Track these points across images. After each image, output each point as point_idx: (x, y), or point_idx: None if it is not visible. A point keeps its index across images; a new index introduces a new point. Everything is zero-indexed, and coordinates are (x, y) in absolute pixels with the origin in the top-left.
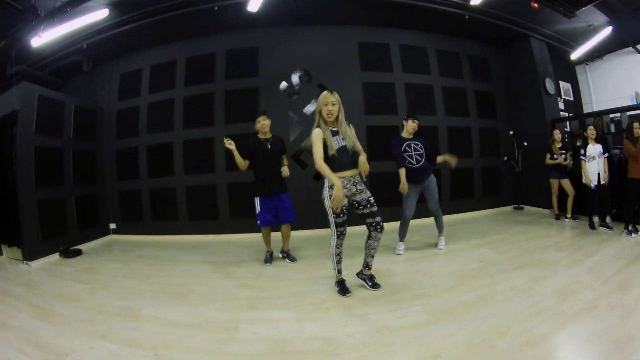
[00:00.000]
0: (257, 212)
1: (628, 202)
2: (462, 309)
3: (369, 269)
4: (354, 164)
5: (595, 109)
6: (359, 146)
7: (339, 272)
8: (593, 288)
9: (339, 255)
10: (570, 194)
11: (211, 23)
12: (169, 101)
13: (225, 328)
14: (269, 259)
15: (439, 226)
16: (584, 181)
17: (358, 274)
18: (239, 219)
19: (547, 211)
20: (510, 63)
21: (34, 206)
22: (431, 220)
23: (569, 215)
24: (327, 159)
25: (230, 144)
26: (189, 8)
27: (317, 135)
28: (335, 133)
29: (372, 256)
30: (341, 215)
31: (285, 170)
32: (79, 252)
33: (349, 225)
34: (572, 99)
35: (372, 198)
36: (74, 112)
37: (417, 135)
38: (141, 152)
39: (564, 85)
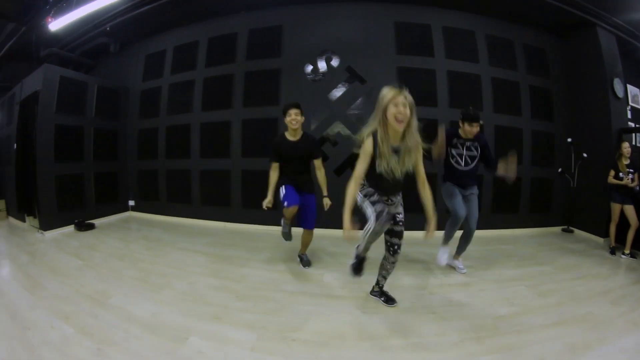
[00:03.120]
0: (283, 195)
1: None
2: None
3: (380, 287)
4: (398, 190)
5: None
6: (422, 174)
7: (362, 254)
8: None
9: (370, 242)
10: (633, 224)
11: (234, 1)
12: (189, 82)
13: (175, 337)
14: (288, 232)
15: (464, 246)
16: None
17: (371, 292)
18: (250, 209)
19: (601, 240)
20: (573, 56)
21: (51, 180)
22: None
23: (627, 251)
24: (371, 172)
25: (269, 201)
26: None
27: (367, 149)
28: (394, 151)
29: (385, 277)
30: (381, 209)
31: (326, 202)
32: (91, 226)
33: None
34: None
35: (401, 215)
36: (97, 92)
37: (481, 133)
38: (160, 133)
39: (633, 90)
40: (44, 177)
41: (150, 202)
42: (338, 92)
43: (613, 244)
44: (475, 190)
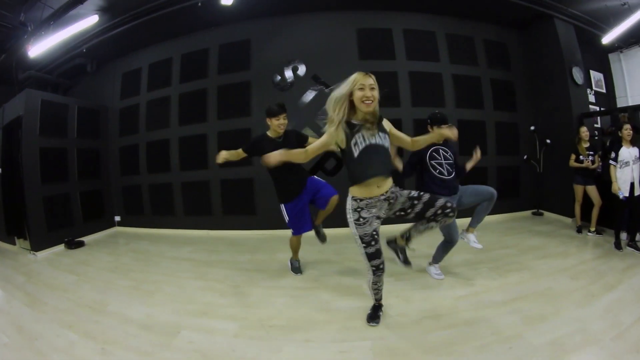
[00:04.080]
0: (287, 221)
1: None
2: (420, 355)
3: (407, 241)
4: (388, 169)
5: (630, 103)
6: (404, 138)
7: (378, 299)
8: (600, 344)
9: (377, 289)
10: (596, 203)
11: (203, 18)
12: (165, 98)
13: (169, 332)
14: (298, 267)
15: (442, 256)
16: (612, 190)
17: (389, 243)
18: (231, 216)
19: (569, 220)
20: (533, 48)
21: (39, 202)
22: None
23: (592, 229)
24: (350, 164)
25: (223, 158)
26: (171, 7)
27: (330, 138)
28: (363, 128)
29: (421, 232)
30: (372, 243)
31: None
32: (81, 244)
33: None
34: (604, 91)
35: (413, 192)
36: (77, 113)
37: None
38: (141, 149)
39: (595, 75)
40: (32, 199)
41: (136, 217)
42: (306, 99)
43: (579, 223)
44: (459, 186)
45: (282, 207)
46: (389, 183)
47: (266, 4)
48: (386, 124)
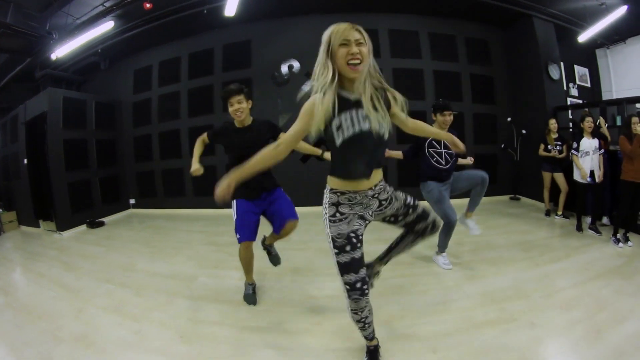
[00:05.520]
0: (235, 220)
1: (619, 206)
2: (377, 294)
3: (383, 264)
4: (378, 164)
5: (615, 97)
6: (405, 121)
7: (369, 338)
8: (528, 299)
9: (361, 321)
10: (563, 189)
11: (208, 21)
12: (175, 93)
13: (189, 279)
14: (252, 294)
15: (446, 242)
16: (574, 177)
17: (367, 267)
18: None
19: (542, 205)
20: (513, 45)
21: (64, 187)
22: None
23: (559, 212)
24: (332, 150)
25: (195, 167)
26: (180, 14)
27: (308, 108)
28: (353, 105)
29: (400, 253)
30: (347, 248)
31: (327, 156)
32: (102, 224)
33: None
34: (588, 85)
35: (410, 198)
36: (95, 107)
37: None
38: (154, 138)
39: (580, 70)
40: (58, 185)
41: (149, 199)
42: (305, 87)
43: (548, 207)
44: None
45: (234, 203)
46: (379, 175)
47: (265, 7)
48: (394, 98)
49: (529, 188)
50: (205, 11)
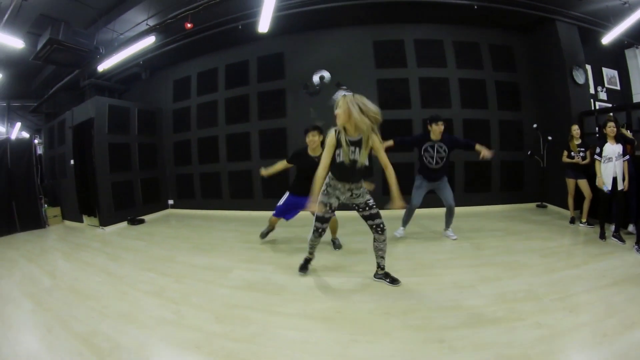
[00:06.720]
0: (278, 204)
1: None
2: (390, 289)
3: (382, 269)
4: (357, 180)
5: None
6: (383, 159)
7: (309, 253)
8: (539, 301)
9: (312, 246)
10: (587, 196)
11: (243, 35)
12: (213, 102)
13: (225, 270)
14: (265, 233)
15: (450, 220)
16: (596, 183)
17: (375, 275)
18: (269, 199)
19: (568, 212)
20: (536, 50)
21: (108, 187)
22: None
23: (583, 220)
24: (334, 165)
25: (266, 171)
26: (216, 29)
27: (330, 140)
28: (353, 143)
29: (382, 257)
30: (323, 209)
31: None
32: (142, 221)
33: None
34: (618, 87)
35: (371, 201)
36: (138, 114)
37: (445, 133)
38: (193, 143)
39: (609, 73)
40: (103, 185)
41: (187, 200)
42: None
43: (572, 214)
44: (445, 179)
45: (286, 194)
46: (359, 182)
47: (295, 22)
48: (373, 140)
49: (555, 195)
50: (240, 27)
